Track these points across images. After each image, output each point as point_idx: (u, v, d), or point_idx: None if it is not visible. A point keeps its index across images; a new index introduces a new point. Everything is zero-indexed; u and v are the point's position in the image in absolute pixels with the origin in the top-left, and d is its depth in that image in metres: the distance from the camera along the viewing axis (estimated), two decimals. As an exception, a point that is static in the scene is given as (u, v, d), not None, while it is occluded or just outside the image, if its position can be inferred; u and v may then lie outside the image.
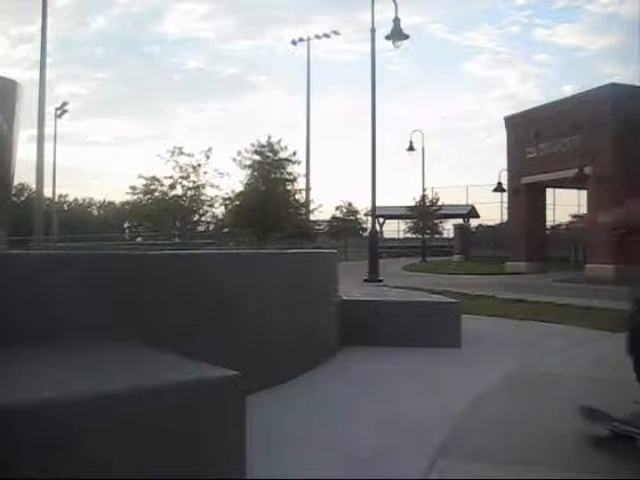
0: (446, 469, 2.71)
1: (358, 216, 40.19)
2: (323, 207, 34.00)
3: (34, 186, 22.26)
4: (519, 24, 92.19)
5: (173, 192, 31.10)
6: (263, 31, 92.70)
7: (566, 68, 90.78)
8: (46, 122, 19.27)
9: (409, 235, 45.45)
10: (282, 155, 31.04)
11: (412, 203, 39.61)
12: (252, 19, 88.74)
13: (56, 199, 42.76)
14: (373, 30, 16.51)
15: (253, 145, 30.91)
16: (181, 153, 30.18)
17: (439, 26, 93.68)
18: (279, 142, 30.83)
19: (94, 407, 2.02)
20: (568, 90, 76.60)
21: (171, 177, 30.71)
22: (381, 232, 40.82)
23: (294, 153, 31.32)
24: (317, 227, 36.08)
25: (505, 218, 28.08)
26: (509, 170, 24.76)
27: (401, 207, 42.39)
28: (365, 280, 14.73)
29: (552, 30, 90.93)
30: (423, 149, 31.61)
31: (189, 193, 31.15)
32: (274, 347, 4.09)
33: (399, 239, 47.48)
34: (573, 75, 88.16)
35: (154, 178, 31.04)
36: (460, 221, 42.09)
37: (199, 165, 30.31)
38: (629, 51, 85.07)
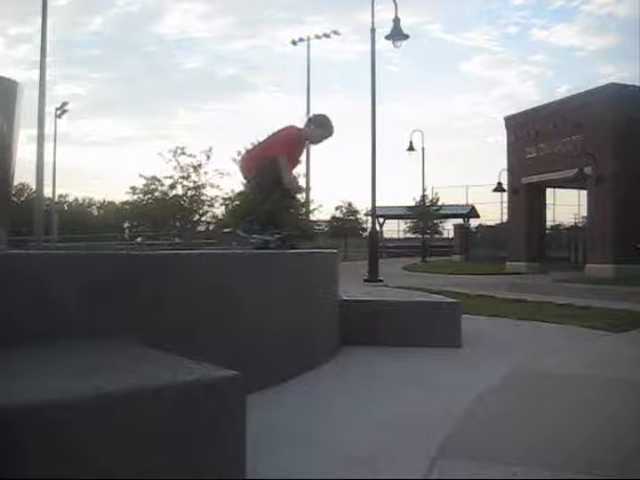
0: (446, 469, 2.71)
1: (358, 216, 40.20)
2: (323, 207, 34.00)
3: (34, 186, 22.25)
4: (516, 24, 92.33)
5: (173, 192, 31.09)
6: (261, 31, 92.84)
7: (564, 68, 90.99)
8: (46, 122, 19.24)
9: (409, 235, 45.47)
10: (282, 155, 30.98)
11: (412, 203, 39.62)
12: (250, 19, 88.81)
13: (56, 199, 42.76)
14: (373, 30, 16.52)
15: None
16: (182, 153, 30.18)
17: (437, 26, 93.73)
18: (279, 142, 30.78)
19: (94, 407, 2.02)
20: (566, 90, 76.74)
21: (171, 177, 30.72)
22: (381, 232, 40.81)
23: (294, 153, 31.28)
24: (317, 227, 36.06)
25: (505, 218, 28.07)
26: (509, 170, 24.77)
27: (401, 207, 42.38)
28: (365, 280, 14.72)
29: (549, 30, 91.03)
30: (423, 149, 31.67)
31: (189, 193, 31.14)
32: (274, 347, 4.09)
33: (399, 239, 47.51)
34: (571, 75, 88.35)
35: (154, 178, 31.05)
36: (460, 221, 42.13)
37: (200, 165, 30.31)
38: (626, 51, 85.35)
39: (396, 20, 15.25)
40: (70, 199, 64.53)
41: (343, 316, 5.47)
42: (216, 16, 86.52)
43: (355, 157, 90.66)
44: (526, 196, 23.51)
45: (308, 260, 5.10)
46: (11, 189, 6.23)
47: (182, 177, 30.65)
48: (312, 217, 33.61)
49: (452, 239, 37.21)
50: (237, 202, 30.94)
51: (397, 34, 15.27)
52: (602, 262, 19.14)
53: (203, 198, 31.63)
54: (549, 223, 27.32)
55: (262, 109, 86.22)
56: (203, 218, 33.60)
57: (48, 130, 22.19)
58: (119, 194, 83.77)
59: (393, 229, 49.51)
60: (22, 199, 47.74)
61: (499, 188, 25.91)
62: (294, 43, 38.89)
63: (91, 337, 2.88)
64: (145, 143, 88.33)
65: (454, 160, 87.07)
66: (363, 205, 38.68)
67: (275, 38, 79.40)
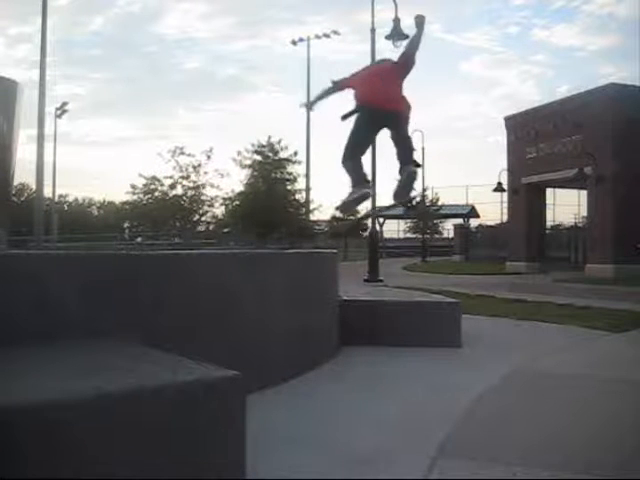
0: (446, 469, 2.71)
1: (358, 216, 40.16)
2: (323, 207, 33.99)
3: (34, 186, 22.25)
4: (517, 24, 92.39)
5: (173, 192, 31.09)
6: (262, 31, 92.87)
7: (564, 68, 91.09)
8: (46, 122, 19.23)
9: (409, 235, 45.45)
10: (282, 155, 31.05)
11: (412, 203, 39.55)
12: (250, 19, 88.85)
13: (56, 199, 42.74)
14: (373, 30, 16.53)
15: (253, 145, 30.93)
16: (182, 153, 30.19)
17: (437, 26, 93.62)
18: (279, 142, 30.85)
19: (94, 407, 2.02)
20: (566, 90, 76.87)
21: (171, 177, 30.72)
22: (381, 232, 40.81)
23: (295, 153, 31.34)
24: (317, 227, 36.07)
25: (505, 218, 28.07)
26: (509, 170, 24.76)
27: (401, 207, 42.33)
28: (365, 280, 14.71)
29: (550, 30, 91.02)
30: (423, 149, 31.60)
31: (189, 193, 31.15)
32: (274, 347, 4.09)
33: (399, 239, 47.47)
34: (571, 75, 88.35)
35: (154, 178, 31.05)
36: (460, 221, 42.07)
37: (199, 165, 30.32)
38: (626, 51, 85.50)
39: (396, 20, 15.22)
40: (70, 199, 64.58)
41: (343, 316, 5.47)
42: (216, 16, 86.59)
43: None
44: (526, 196, 23.50)
45: (308, 260, 5.10)
46: (11, 189, 6.23)
47: (182, 177, 30.66)
48: (312, 217, 33.61)
49: (452, 239, 37.18)
50: (237, 202, 30.97)
51: (397, 34, 15.25)
52: (602, 262, 19.12)
53: (203, 198, 31.63)
54: (549, 223, 27.31)
55: (262, 109, 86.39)
56: (203, 218, 33.62)
57: (48, 130, 22.18)
58: (119, 194, 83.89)
59: (393, 229, 49.49)
60: (22, 199, 47.76)
61: (499, 188, 25.90)
62: (294, 43, 38.81)
63: (91, 337, 2.88)
64: (145, 143, 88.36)
65: (454, 160, 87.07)
66: (363, 205, 38.67)
67: (275, 38, 79.40)
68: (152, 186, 31.36)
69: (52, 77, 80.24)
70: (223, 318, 3.72)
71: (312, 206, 33.08)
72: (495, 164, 72.60)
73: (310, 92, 38.87)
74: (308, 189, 33.30)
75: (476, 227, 37.75)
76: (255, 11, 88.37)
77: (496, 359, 5.06)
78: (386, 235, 45.48)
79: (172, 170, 30.46)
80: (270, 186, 30.01)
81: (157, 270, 3.54)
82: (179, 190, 31.04)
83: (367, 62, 16.73)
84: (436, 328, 5.64)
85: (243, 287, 3.94)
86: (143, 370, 2.47)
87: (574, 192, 26.71)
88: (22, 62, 72.01)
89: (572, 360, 5.23)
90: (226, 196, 31.24)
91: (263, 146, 30.80)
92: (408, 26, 17.88)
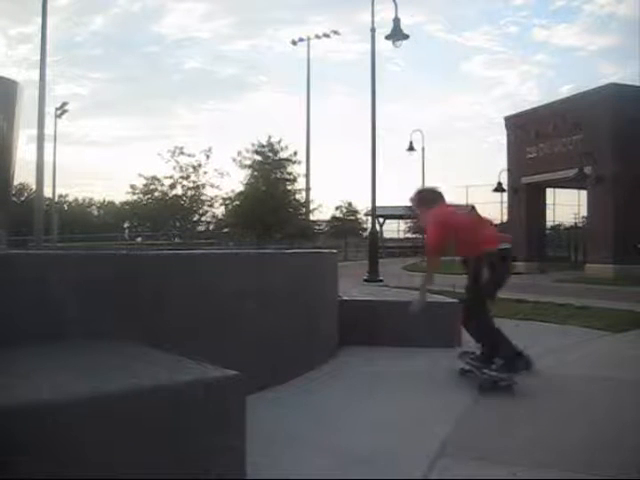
0: (446, 469, 2.71)
1: (358, 216, 40.18)
2: (323, 207, 33.99)
3: (34, 186, 22.24)
4: (517, 24, 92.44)
5: (173, 192, 31.07)
6: (262, 31, 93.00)
7: (565, 68, 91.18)
8: (46, 122, 19.22)
9: (409, 235, 45.45)
10: (282, 155, 31.04)
11: (412, 203, 39.51)
12: (251, 19, 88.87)
13: (56, 199, 42.73)
14: (373, 30, 16.50)
15: (253, 145, 30.92)
16: (181, 153, 30.17)
17: (437, 26, 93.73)
18: (279, 142, 30.83)
19: (93, 407, 2.02)
20: (566, 90, 76.92)
21: (171, 177, 30.70)
22: (381, 232, 40.79)
23: (295, 153, 31.31)
24: (317, 227, 36.07)
25: (505, 218, 28.08)
26: (509, 170, 24.77)
27: (401, 207, 42.35)
28: (365, 280, 14.71)
29: (550, 30, 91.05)
30: (423, 149, 31.59)
31: (189, 193, 31.13)
32: (274, 347, 4.09)
33: (399, 239, 47.46)
34: (572, 75, 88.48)
35: (154, 178, 31.03)
36: (460, 221, 42.00)
37: (199, 165, 30.31)
38: (626, 51, 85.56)
39: (396, 20, 15.23)
40: (70, 199, 64.57)
41: (343, 316, 5.46)
42: (216, 16, 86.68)
43: (355, 157, 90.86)
44: (526, 196, 23.52)
45: (308, 260, 5.10)
46: (11, 189, 6.24)
47: (182, 177, 30.64)
48: (312, 217, 33.60)
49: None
50: (237, 202, 30.96)
51: (397, 34, 15.26)
52: (602, 262, 19.13)
53: (203, 198, 31.61)
54: (549, 223, 27.33)
55: (262, 109, 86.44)
56: (203, 218, 33.62)
57: (48, 130, 22.17)
58: (119, 194, 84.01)
59: (393, 229, 49.46)
60: (22, 199, 47.77)
61: (499, 188, 25.91)
62: (294, 43, 38.84)
63: (91, 337, 2.88)
64: (145, 143, 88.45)
65: (454, 160, 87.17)
66: (363, 205, 38.68)
67: (275, 38, 79.47)
68: (152, 186, 31.33)
69: (52, 77, 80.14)
70: (223, 318, 3.72)
71: (312, 206, 33.09)
72: (495, 164, 72.84)
73: (310, 92, 38.73)
74: (308, 189, 33.31)
75: (476, 227, 37.70)
76: (255, 11, 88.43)
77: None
78: (386, 235, 45.50)
79: (172, 170, 30.45)
80: (270, 186, 29.99)
81: (157, 270, 3.54)
82: (179, 190, 31.02)
83: (368, 62, 16.74)
84: (436, 328, 5.63)
85: (243, 287, 3.94)
86: (143, 370, 2.47)
87: (574, 192, 26.73)
88: (22, 62, 72.08)
89: (571, 360, 5.23)
90: (226, 196, 31.24)
91: (263, 146, 30.78)
92: (408, 26, 17.90)
